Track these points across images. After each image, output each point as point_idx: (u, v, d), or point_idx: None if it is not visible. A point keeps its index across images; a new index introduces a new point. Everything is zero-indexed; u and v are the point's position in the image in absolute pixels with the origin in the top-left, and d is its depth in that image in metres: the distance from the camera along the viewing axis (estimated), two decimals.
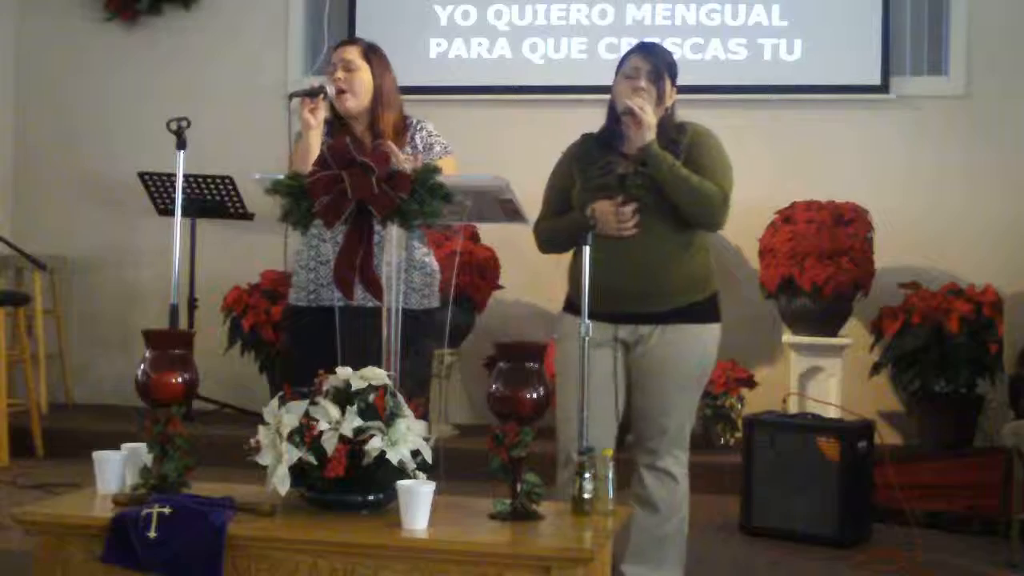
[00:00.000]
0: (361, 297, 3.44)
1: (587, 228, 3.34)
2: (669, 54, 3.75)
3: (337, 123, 3.83)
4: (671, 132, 3.62)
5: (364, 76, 3.78)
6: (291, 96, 3.74)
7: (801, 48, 6.45)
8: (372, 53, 3.84)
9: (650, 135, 3.53)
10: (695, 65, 6.52)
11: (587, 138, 3.75)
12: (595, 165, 3.64)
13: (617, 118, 3.62)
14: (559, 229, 3.67)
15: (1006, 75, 6.27)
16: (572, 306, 3.70)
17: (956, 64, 6.33)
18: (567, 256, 3.69)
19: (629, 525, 3.55)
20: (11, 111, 7.24)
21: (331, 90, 3.73)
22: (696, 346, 3.62)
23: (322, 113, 3.72)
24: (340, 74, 3.77)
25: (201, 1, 7.05)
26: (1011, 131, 6.25)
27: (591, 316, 3.55)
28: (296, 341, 3.89)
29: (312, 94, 3.71)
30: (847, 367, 5.95)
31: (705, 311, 3.65)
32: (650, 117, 3.53)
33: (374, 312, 3.28)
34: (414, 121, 3.85)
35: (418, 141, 3.80)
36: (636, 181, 3.54)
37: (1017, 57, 6.26)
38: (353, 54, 3.80)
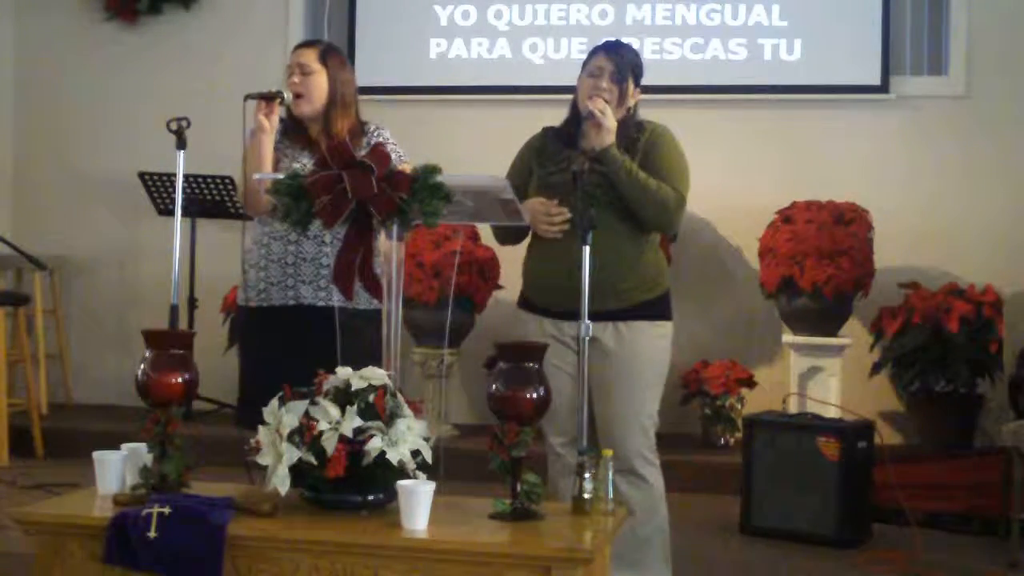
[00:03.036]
0: (311, 296, 3.46)
1: (525, 226, 3.35)
2: (635, 55, 3.76)
3: (292, 123, 3.84)
4: (630, 131, 3.64)
5: (319, 80, 3.80)
6: (247, 97, 3.74)
7: (801, 48, 6.45)
8: (329, 56, 3.85)
9: (610, 138, 3.55)
10: (695, 65, 6.53)
11: (547, 131, 3.78)
12: (553, 160, 3.67)
13: (578, 114, 3.65)
14: (502, 224, 3.65)
15: (1006, 75, 6.26)
16: (526, 303, 3.72)
17: (956, 64, 6.33)
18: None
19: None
20: (11, 111, 7.24)
21: (288, 96, 3.76)
22: (649, 344, 3.63)
23: (276, 117, 3.76)
24: (296, 78, 3.79)
25: (201, 1, 7.05)
26: (1011, 131, 6.25)
27: (542, 312, 3.58)
28: (247, 342, 3.91)
29: (268, 98, 3.74)
30: (847, 367, 5.94)
31: (657, 309, 3.66)
32: (611, 121, 3.55)
33: (325, 311, 3.33)
34: (371, 127, 3.85)
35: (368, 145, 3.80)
36: (591, 179, 3.55)
37: (1017, 57, 6.26)
38: (310, 57, 3.82)
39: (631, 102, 3.68)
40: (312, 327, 3.56)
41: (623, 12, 6.58)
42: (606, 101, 3.58)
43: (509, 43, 6.69)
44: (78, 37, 7.15)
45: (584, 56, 3.79)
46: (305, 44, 3.93)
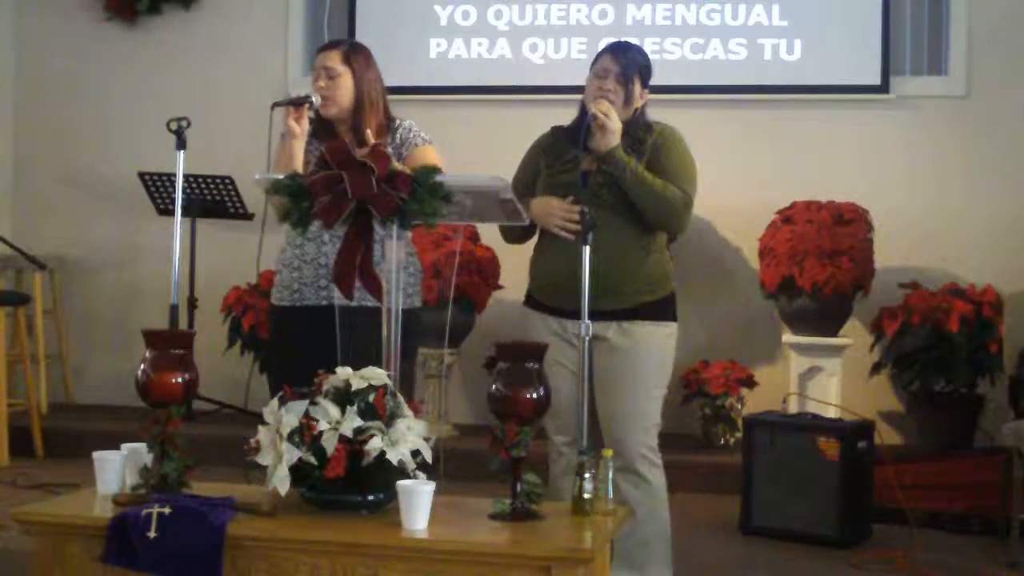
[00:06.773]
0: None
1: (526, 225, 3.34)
2: (643, 55, 3.77)
3: (320, 125, 3.85)
4: (638, 132, 3.64)
5: (345, 82, 3.79)
6: (274, 105, 3.74)
7: (801, 48, 6.45)
8: (354, 55, 3.84)
9: (614, 140, 3.54)
10: (695, 65, 6.52)
11: (557, 131, 3.78)
12: (561, 159, 3.67)
13: (586, 114, 3.64)
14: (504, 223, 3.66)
15: (1006, 75, 6.26)
16: (532, 300, 3.72)
17: (956, 64, 6.33)
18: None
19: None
20: (11, 111, 7.24)
21: (316, 100, 3.76)
22: (651, 345, 3.63)
23: (306, 121, 3.75)
24: (322, 82, 3.79)
25: (201, 1, 7.05)
26: (1011, 131, 6.25)
27: (546, 310, 3.58)
28: (280, 341, 3.91)
29: (297, 103, 3.73)
30: (847, 367, 5.94)
31: (661, 310, 3.66)
32: (615, 123, 3.55)
33: (359, 311, 3.31)
34: (397, 122, 3.86)
35: (397, 138, 3.81)
36: (598, 179, 3.56)
37: (1017, 57, 6.26)
38: (334, 60, 3.81)
39: (639, 103, 3.68)
40: (350, 327, 3.52)
41: (623, 12, 6.58)
42: (611, 102, 3.58)
43: (509, 43, 6.69)
44: (78, 37, 7.15)
45: (585, 56, 3.80)
46: (329, 46, 3.91)
